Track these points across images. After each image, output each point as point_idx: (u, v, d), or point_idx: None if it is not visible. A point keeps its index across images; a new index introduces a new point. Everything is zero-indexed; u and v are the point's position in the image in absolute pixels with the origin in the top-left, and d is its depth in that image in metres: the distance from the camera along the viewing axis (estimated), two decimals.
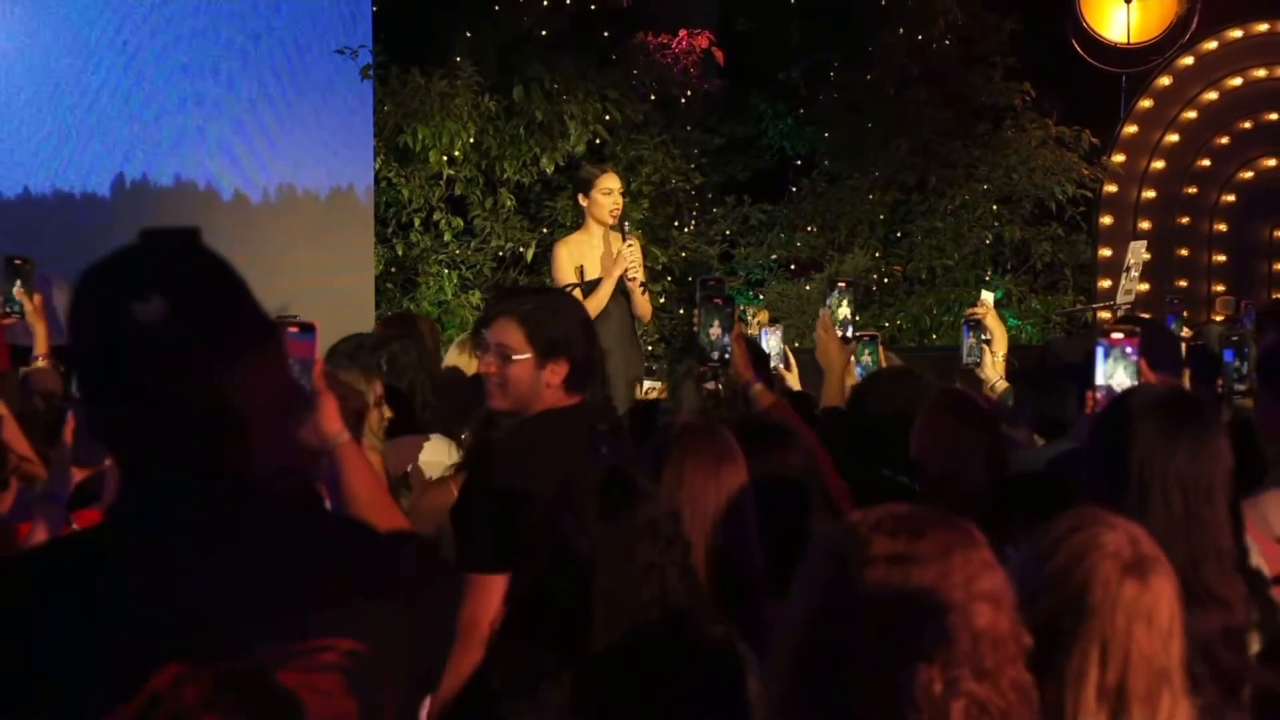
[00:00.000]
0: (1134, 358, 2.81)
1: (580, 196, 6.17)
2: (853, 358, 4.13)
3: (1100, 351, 2.81)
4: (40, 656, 1.32)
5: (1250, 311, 6.16)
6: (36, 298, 4.16)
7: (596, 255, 6.01)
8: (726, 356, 3.62)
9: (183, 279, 1.39)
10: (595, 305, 5.76)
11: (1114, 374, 2.79)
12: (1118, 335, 2.83)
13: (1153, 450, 2.23)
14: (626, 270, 5.89)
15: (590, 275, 5.93)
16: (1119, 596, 1.71)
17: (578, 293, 5.84)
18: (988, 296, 4.45)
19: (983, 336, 4.18)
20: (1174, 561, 1.77)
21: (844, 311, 3.85)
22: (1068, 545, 1.74)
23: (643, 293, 6.02)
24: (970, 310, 4.33)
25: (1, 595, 1.38)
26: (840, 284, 3.98)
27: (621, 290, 5.97)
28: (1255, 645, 2.38)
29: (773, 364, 4.66)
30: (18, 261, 4.35)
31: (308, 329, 2.11)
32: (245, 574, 1.38)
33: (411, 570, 1.51)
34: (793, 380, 4.61)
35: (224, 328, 1.39)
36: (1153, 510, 2.16)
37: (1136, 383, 2.77)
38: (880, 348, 4.26)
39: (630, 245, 5.91)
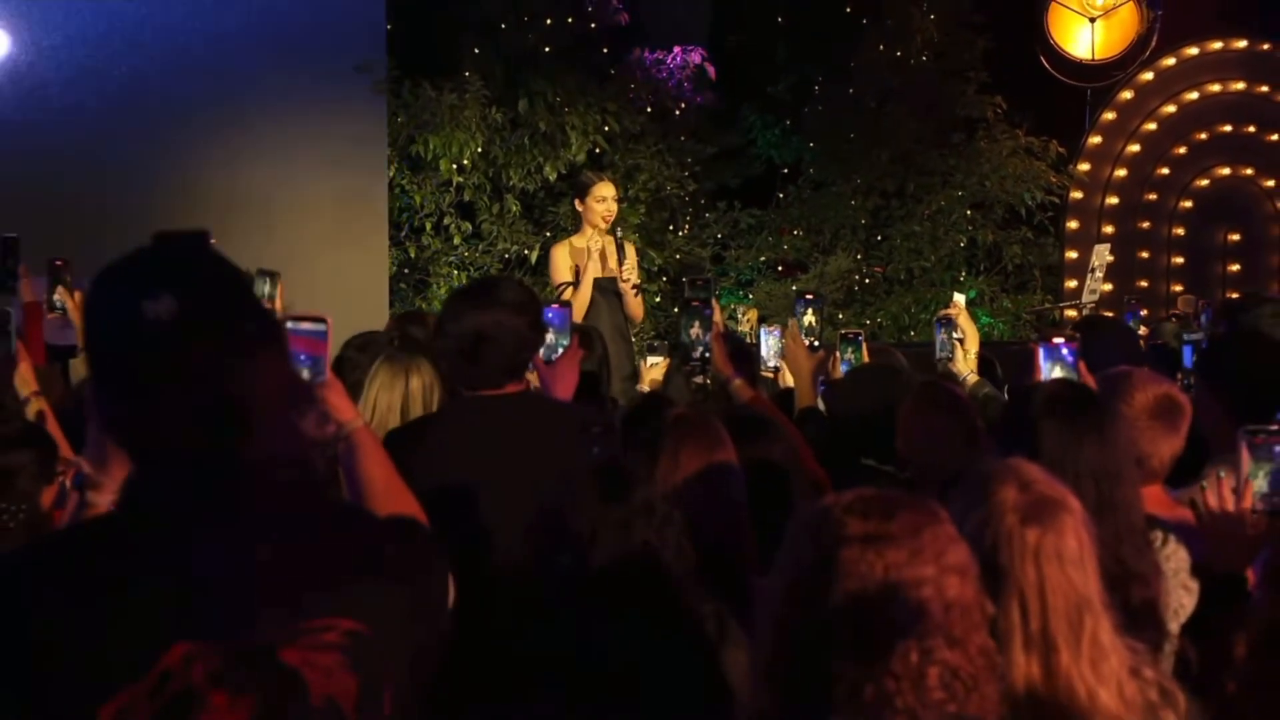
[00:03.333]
0: (1071, 359, 2.81)
1: (577, 201, 6.18)
2: (838, 354, 4.11)
3: (1042, 352, 2.82)
4: (56, 636, 1.31)
5: (1207, 310, 6.16)
6: (77, 295, 4.18)
7: (587, 257, 6.02)
8: (707, 355, 3.62)
9: (191, 279, 1.38)
10: (579, 304, 5.75)
11: (1053, 373, 2.79)
12: (1057, 339, 2.84)
13: (1061, 448, 2.21)
14: (621, 272, 5.89)
15: (584, 276, 5.94)
16: (1023, 546, 1.69)
17: (569, 292, 5.84)
18: (959, 298, 4.44)
19: (954, 334, 4.16)
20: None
21: (809, 320, 3.87)
22: (974, 514, 1.72)
23: (636, 295, 6.01)
24: (943, 310, 4.32)
25: (20, 578, 1.37)
26: (807, 296, 3.99)
27: (614, 291, 5.96)
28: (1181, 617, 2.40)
29: (771, 363, 4.64)
30: (58, 262, 4.37)
31: (320, 324, 2.09)
32: (251, 558, 1.37)
33: (409, 553, 1.49)
34: (787, 379, 4.58)
35: (230, 325, 1.38)
36: None
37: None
38: (864, 345, 4.24)
39: (608, 242, 5.91)
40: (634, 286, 5.95)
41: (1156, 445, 2.69)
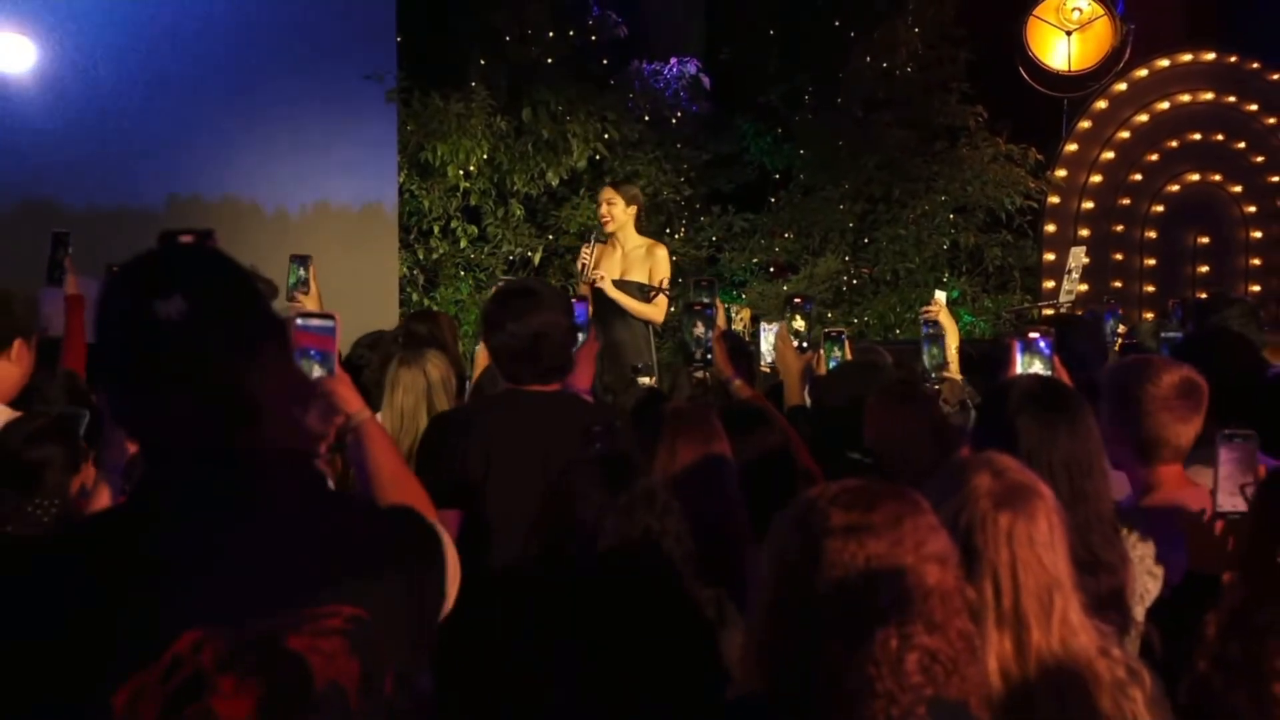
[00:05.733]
0: (1047, 352, 2.79)
1: None
2: (822, 352, 4.12)
3: (1018, 346, 2.80)
4: (74, 623, 1.30)
5: (1177, 309, 6.15)
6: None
7: (608, 258, 6.11)
8: (709, 356, 3.64)
9: (200, 280, 1.38)
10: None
11: (1030, 366, 2.78)
12: (1034, 334, 2.82)
13: (1037, 441, 2.20)
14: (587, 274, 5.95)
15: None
16: (998, 530, 1.69)
17: (586, 285, 5.95)
18: (940, 295, 4.43)
19: (940, 338, 4.16)
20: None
21: (798, 324, 3.90)
22: (950, 501, 1.72)
23: (653, 296, 6.09)
24: (925, 309, 4.32)
25: (43, 567, 1.36)
26: (796, 300, 4.01)
27: (640, 291, 6.05)
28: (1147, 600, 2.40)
29: (769, 359, 4.65)
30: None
31: (329, 320, 2.09)
32: (257, 548, 1.36)
33: (407, 541, 1.49)
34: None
35: (236, 324, 1.37)
36: None
37: (1049, 374, 2.76)
38: (848, 343, 4.24)
39: (588, 247, 6.01)
40: (655, 292, 6.06)
41: (1186, 425, 2.65)
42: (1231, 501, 2.38)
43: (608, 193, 6.20)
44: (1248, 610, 1.93)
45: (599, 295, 5.90)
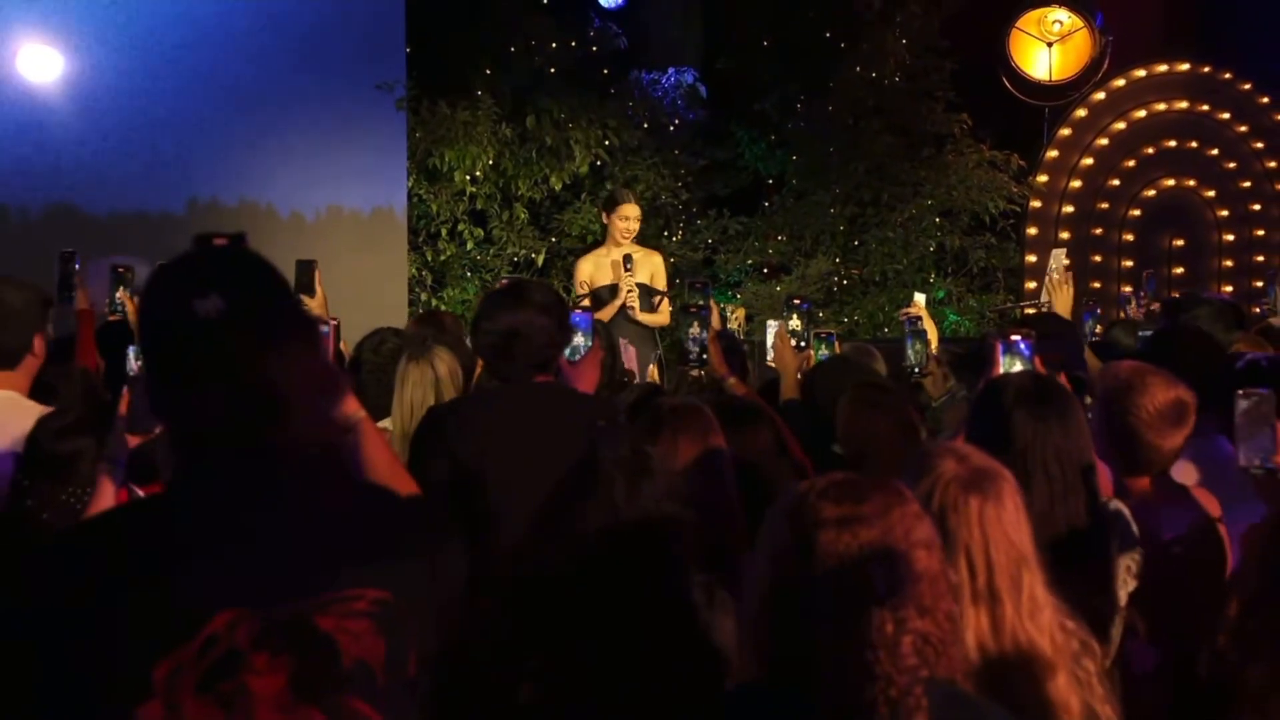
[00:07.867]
0: (1027, 353, 2.80)
1: (604, 214, 6.26)
2: (813, 352, 4.14)
3: (1000, 347, 2.81)
4: (113, 604, 1.32)
5: (1150, 280, 6.16)
6: (137, 298, 4.14)
7: (610, 267, 6.11)
8: (704, 356, 3.65)
9: (236, 279, 1.40)
10: (607, 314, 5.91)
11: (1011, 366, 2.79)
12: (1015, 335, 2.83)
13: (1031, 436, 2.22)
14: (626, 300, 5.98)
15: (599, 284, 6.05)
16: (968, 512, 1.72)
17: (587, 301, 5.94)
18: (919, 297, 4.45)
19: (922, 337, 4.17)
20: (1056, 526, 1.77)
21: (795, 323, 3.91)
22: (917, 488, 1.74)
23: (658, 302, 6.11)
24: (904, 310, 4.33)
25: (83, 551, 1.38)
26: (795, 300, 4.03)
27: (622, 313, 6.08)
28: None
29: (771, 356, 4.67)
30: (121, 269, 4.33)
31: (324, 326, 2.12)
32: (287, 533, 1.38)
33: (427, 528, 1.51)
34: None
35: (269, 321, 1.39)
36: (1035, 487, 2.15)
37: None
38: (837, 343, 4.25)
39: (630, 275, 6.00)
40: (659, 298, 6.08)
41: (1174, 441, 2.67)
42: (1250, 458, 2.39)
43: (635, 209, 6.19)
44: (1268, 589, 1.94)
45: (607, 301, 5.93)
